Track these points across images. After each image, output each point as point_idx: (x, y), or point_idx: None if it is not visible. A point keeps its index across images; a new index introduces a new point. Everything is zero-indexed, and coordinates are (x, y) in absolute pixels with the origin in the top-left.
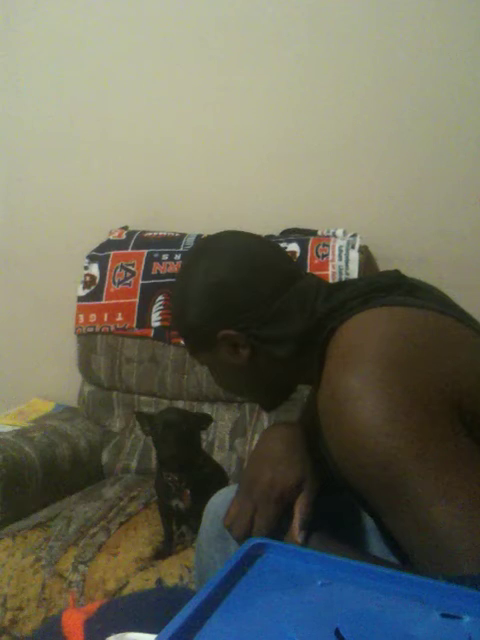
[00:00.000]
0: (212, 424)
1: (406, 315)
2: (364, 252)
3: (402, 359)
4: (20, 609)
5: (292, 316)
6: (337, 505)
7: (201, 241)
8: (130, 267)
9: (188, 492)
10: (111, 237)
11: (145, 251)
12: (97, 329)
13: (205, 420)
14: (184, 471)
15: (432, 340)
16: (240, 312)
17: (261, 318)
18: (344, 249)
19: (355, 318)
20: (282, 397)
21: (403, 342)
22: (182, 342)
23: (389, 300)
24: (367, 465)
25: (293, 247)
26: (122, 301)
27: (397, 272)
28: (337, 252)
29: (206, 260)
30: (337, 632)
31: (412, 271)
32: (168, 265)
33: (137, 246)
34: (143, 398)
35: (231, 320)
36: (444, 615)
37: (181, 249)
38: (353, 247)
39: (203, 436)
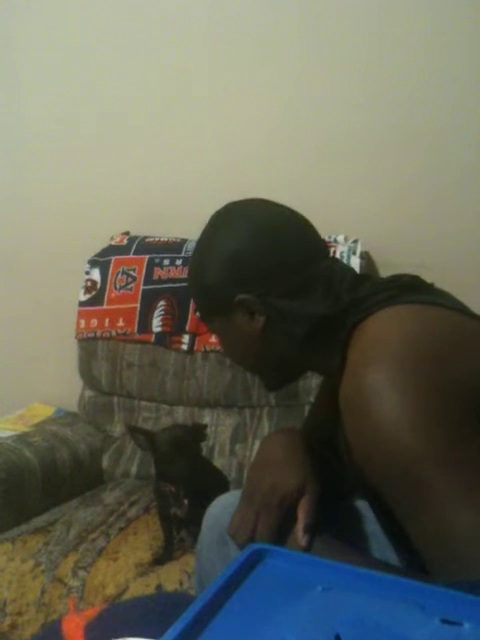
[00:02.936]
0: (213, 429)
1: (432, 314)
2: (366, 258)
3: (429, 357)
4: (19, 614)
5: (315, 296)
6: (338, 509)
7: (230, 204)
8: (131, 272)
9: (186, 502)
10: (112, 242)
11: (146, 256)
12: (98, 334)
13: (202, 431)
14: (182, 481)
15: (458, 340)
16: (259, 279)
17: (282, 288)
18: (345, 255)
19: (381, 313)
20: (288, 378)
21: (430, 340)
22: (196, 313)
23: (414, 298)
24: (390, 466)
25: None
26: (123, 306)
27: (417, 276)
28: (338, 258)
29: (229, 226)
30: (338, 638)
31: None
32: (169, 270)
33: (138, 251)
34: (144, 403)
35: (249, 286)
36: (444, 621)
37: (182, 254)
38: (354, 253)
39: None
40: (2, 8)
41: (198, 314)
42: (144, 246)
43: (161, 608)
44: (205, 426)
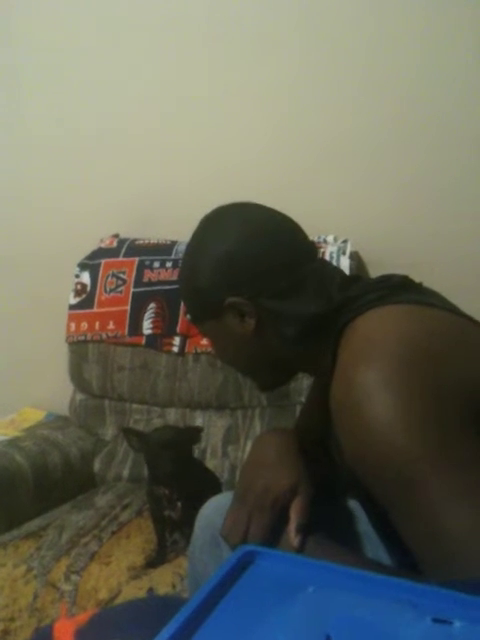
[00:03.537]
0: (205, 431)
1: (426, 313)
2: (355, 258)
3: (427, 357)
4: (12, 620)
5: (306, 297)
6: (330, 510)
7: (220, 208)
8: (121, 275)
9: (179, 504)
10: (102, 245)
11: (136, 259)
12: (88, 337)
13: (196, 434)
14: (176, 484)
15: (454, 340)
16: (250, 281)
17: (272, 289)
18: (335, 255)
19: (371, 313)
20: (280, 380)
21: (428, 340)
22: (187, 316)
23: (405, 298)
24: (383, 467)
25: None
26: (113, 309)
27: (406, 276)
28: (328, 258)
29: (220, 230)
30: (329, 639)
31: None
32: (160, 273)
33: (128, 254)
34: (135, 406)
35: (240, 288)
36: (435, 620)
37: (172, 257)
38: (344, 253)
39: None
40: (2, 8)
41: (189, 317)
42: (134, 248)
43: (153, 611)
44: (201, 429)
